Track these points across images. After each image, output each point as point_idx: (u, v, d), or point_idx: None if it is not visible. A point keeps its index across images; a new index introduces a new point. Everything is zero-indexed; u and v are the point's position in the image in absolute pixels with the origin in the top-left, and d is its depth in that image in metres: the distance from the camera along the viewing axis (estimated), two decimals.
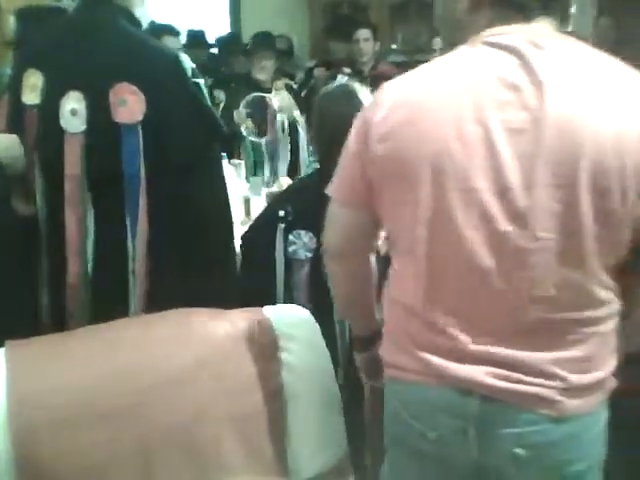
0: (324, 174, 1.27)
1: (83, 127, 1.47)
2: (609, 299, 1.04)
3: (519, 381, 1.02)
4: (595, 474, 1.10)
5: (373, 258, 1.26)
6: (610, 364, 1.07)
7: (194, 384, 1.29)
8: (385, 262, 1.22)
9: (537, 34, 1.03)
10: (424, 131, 1.01)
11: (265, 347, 1.39)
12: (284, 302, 1.76)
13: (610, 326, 1.06)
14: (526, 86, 0.99)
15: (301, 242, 1.73)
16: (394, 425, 1.17)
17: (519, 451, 1.03)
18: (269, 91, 3.43)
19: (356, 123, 1.13)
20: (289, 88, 3.65)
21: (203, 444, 1.27)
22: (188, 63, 1.53)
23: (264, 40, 3.72)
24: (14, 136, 1.60)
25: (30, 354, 1.26)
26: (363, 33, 4.01)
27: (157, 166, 1.47)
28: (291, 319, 1.46)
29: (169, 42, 3.38)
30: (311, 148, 3.24)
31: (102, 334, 1.33)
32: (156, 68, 1.50)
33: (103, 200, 1.51)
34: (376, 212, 1.13)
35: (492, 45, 1.03)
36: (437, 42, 4.33)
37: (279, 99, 3.22)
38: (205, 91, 1.59)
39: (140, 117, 1.45)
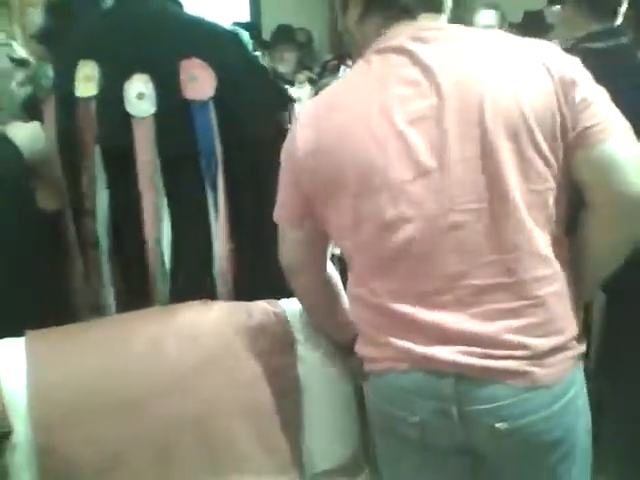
0: None
1: (153, 109, 1.41)
2: (556, 254, 1.08)
3: (488, 356, 1.05)
4: (575, 442, 1.12)
5: (331, 267, 1.32)
6: (572, 328, 1.10)
7: (211, 376, 1.30)
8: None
9: (420, 29, 1.12)
10: (341, 141, 1.10)
11: (281, 340, 1.40)
12: None
13: (562, 284, 1.09)
14: (421, 79, 1.07)
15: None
16: (377, 416, 1.22)
17: (499, 425, 1.06)
18: (291, 84, 3.44)
19: (284, 151, 1.22)
20: (311, 81, 3.65)
21: (219, 436, 1.28)
22: (247, 38, 1.51)
23: (285, 33, 3.72)
24: (35, 125, 1.57)
25: (49, 344, 1.27)
26: None
27: (233, 140, 1.43)
28: None
29: None
30: None
31: (121, 325, 1.35)
32: (220, 43, 1.47)
33: (178, 183, 1.45)
34: (319, 225, 1.20)
35: (382, 51, 1.13)
36: None
37: (301, 92, 3.22)
38: (265, 63, 1.57)
39: (212, 92, 1.41)
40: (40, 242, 1.50)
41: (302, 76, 3.66)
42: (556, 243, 1.09)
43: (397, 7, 1.15)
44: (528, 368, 1.06)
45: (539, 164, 1.05)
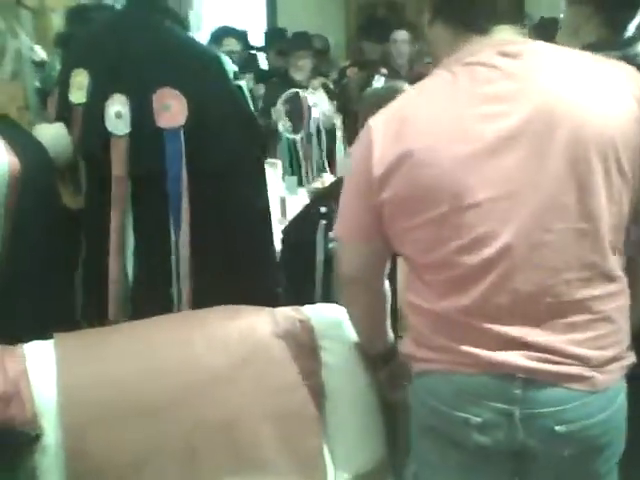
0: None
1: (127, 130, 1.49)
2: (621, 275, 1.13)
3: (553, 362, 1.09)
4: (619, 445, 1.17)
5: (386, 282, 1.32)
6: (627, 339, 1.15)
7: (237, 381, 1.30)
8: None
9: (505, 44, 1.11)
10: (427, 158, 1.09)
11: (305, 346, 1.40)
12: (322, 298, 1.78)
13: (624, 299, 1.14)
14: (511, 96, 1.07)
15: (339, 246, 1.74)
16: (427, 417, 1.20)
17: (559, 428, 1.09)
18: (305, 89, 3.45)
19: (354, 164, 1.20)
20: (326, 87, 3.66)
21: (245, 441, 1.28)
22: (230, 65, 1.54)
23: (301, 40, 3.73)
24: (60, 125, 1.62)
25: (78, 347, 1.29)
26: (400, 35, 4.00)
27: (199, 168, 1.50)
28: (331, 319, 1.46)
29: (231, 44, 3.43)
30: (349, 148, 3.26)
31: (147, 329, 1.36)
32: (199, 72, 1.51)
33: (145, 201, 1.53)
34: (386, 240, 1.20)
35: (469, 64, 1.11)
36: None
37: (315, 98, 3.22)
38: (247, 93, 1.59)
39: (182, 121, 1.48)
40: (66, 240, 1.55)
41: (317, 82, 3.67)
42: (620, 261, 1.13)
43: (467, 17, 1.14)
44: (589, 373, 1.09)
45: (622, 188, 1.08)
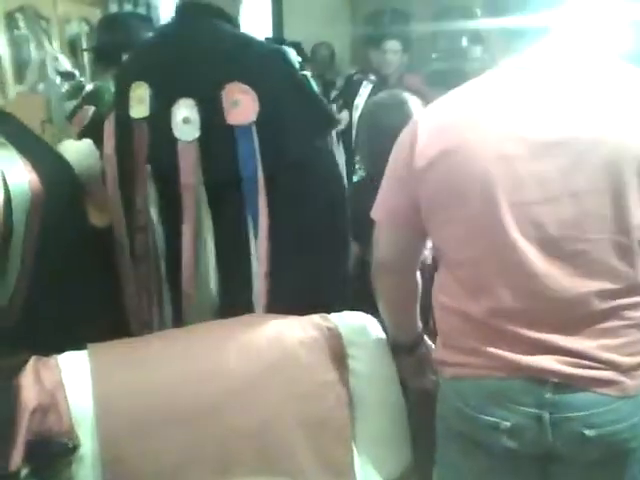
0: (373, 183, 1.31)
1: (197, 134, 1.42)
2: None
3: (584, 366, 1.10)
4: None
5: (418, 272, 1.34)
6: None
7: (267, 389, 1.31)
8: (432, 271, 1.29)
9: (555, 53, 1.13)
10: (468, 155, 1.11)
11: (334, 354, 1.41)
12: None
13: None
14: (557, 102, 1.08)
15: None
16: (455, 422, 1.22)
17: (587, 432, 1.10)
18: None
19: (396, 151, 1.21)
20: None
21: (276, 448, 1.29)
22: (294, 56, 1.50)
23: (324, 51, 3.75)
24: (88, 142, 1.61)
25: (111, 357, 1.29)
26: (391, 44, 4.05)
27: (275, 164, 1.43)
28: (358, 326, 1.47)
29: None
30: (357, 157, 3.27)
31: (179, 338, 1.37)
32: (265, 65, 1.46)
33: (222, 206, 1.47)
34: (423, 230, 1.22)
35: (520, 68, 1.13)
36: (476, 50, 4.36)
37: None
38: (313, 82, 1.53)
39: (254, 117, 1.41)
40: (93, 258, 1.52)
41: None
42: None
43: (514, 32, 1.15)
44: (619, 378, 1.10)
45: None
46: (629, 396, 1.11)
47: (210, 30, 1.49)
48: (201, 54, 1.46)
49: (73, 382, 1.22)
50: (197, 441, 1.23)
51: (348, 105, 3.79)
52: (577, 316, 1.10)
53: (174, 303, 1.53)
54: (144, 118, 1.47)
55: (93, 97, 1.83)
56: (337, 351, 1.42)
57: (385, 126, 1.71)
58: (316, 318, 1.44)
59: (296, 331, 1.39)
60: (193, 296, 1.49)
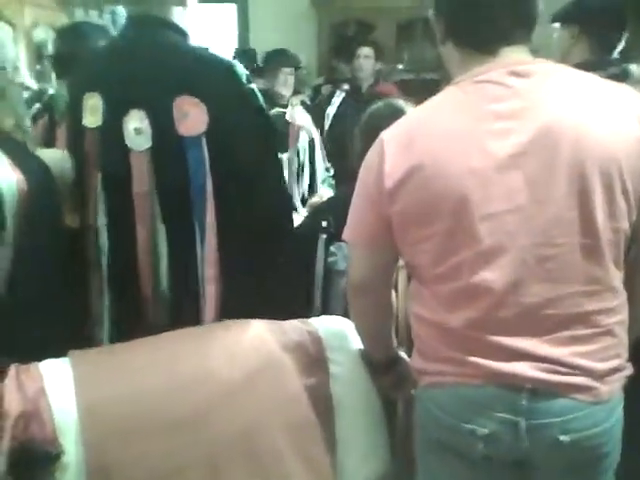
0: None
1: (148, 144, 1.48)
2: (621, 289, 1.17)
3: (559, 372, 1.11)
4: (617, 454, 1.20)
5: (393, 291, 1.36)
6: (626, 351, 1.19)
7: (252, 393, 1.32)
8: None
9: (515, 63, 1.16)
10: (437, 171, 1.12)
11: (315, 358, 1.43)
12: (321, 311, 1.80)
13: (624, 313, 1.18)
14: (520, 114, 1.11)
15: (342, 253, 1.76)
16: (433, 430, 1.23)
17: (563, 438, 1.12)
18: (285, 107, 3.47)
19: (365, 171, 1.23)
20: (304, 104, 3.70)
21: (264, 452, 1.29)
22: (242, 70, 1.55)
23: (285, 56, 3.77)
24: (61, 151, 1.65)
25: (94, 364, 1.29)
26: (365, 51, 4.13)
27: (222, 174, 1.49)
28: (337, 330, 1.49)
29: None
30: (327, 165, 3.30)
31: (162, 344, 1.36)
32: (214, 78, 1.51)
33: (173, 213, 1.52)
34: (396, 248, 1.23)
35: (480, 82, 1.15)
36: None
37: (299, 115, 3.26)
38: (259, 96, 1.59)
39: (203, 128, 1.47)
40: (68, 258, 1.55)
41: (295, 99, 3.71)
42: (620, 276, 1.17)
43: (476, 39, 1.19)
44: (593, 384, 1.13)
45: (623, 206, 1.12)
46: (603, 401, 1.13)
47: (161, 42, 1.54)
48: (152, 66, 1.50)
49: (56, 390, 1.21)
50: (183, 447, 1.23)
51: (319, 115, 3.81)
52: (550, 321, 1.12)
53: (124, 305, 1.56)
54: (96, 128, 1.52)
55: (49, 104, 1.85)
56: (318, 355, 1.43)
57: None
58: (296, 322, 1.46)
59: (278, 335, 1.40)
60: (150, 298, 1.53)
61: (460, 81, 1.19)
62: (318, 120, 3.76)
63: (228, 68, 1.54)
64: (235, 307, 1.49)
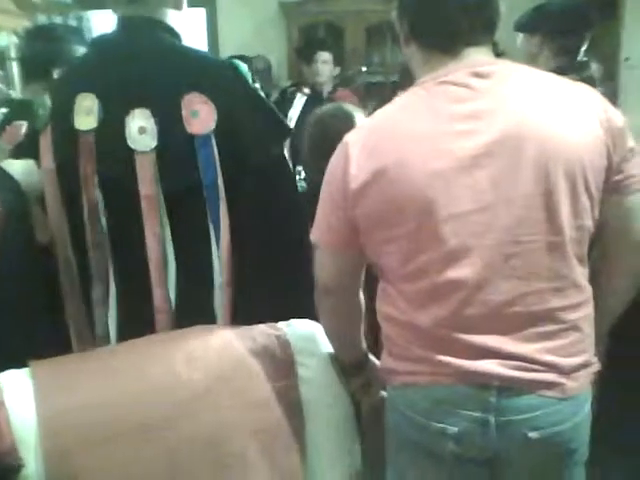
0: (317, 193, 1.33)
1: (154, 144, 1.42)
2: (586, 285, 1.19)
3: (526, 369, 1.13)
4: (586, 449, 1.23)
5: (361, 293, 1.36)
6: (593, 347, 1.22)
7: (217, 398, 1.30)
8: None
9: (476, 64, 1.17)
10: (402, 173, 1.13)
11: (283, 362, 1.41)
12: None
13: (590, 309, 1.20)
14: (483, 114, 1.13)
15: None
16: (404, 430, 1.24)
17: (532, 434, 1.13)
18: None
19: (330, 174, 1.23)
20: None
21: (229, 458, 1.27)
22: (245, 69, 1.52)
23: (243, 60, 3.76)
24: (30, 161, 1.56)
25: (55, 374, 1.25)
26: (322, 55, 4.17)
27: (234, 172, 1.45)
28: (306, 334, 1.48)
29: None
30: (298, 168, 3.29)
31: (125, 352, 1.34)
32: (220, 76, 1.47)
33: (182, 215, 1.47)
34: (363, 250, 1.23)
35: (443, 84, 1.17)
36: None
37: None
38: (263, 94, 1.55)
39: (213, 126, 1.42)
40: (40, 273, 1.49)
41: None
42: (585, 272, 1.19)
43: (439, 40, 1.20)
44: (560, 380, 1.15)
45: (587, 204, 1.15)
46: (570, 397, 1.15)
47: (160, 43, 1.49)
48: (156, 65, 1.46)
49: (15, 401, 1.17)
50: (148, 456, 1.20)
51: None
52: (517, 319, 1.14)
53: (133, 319, 1.49)
54: (91, 130, 1.45)
55: (24, 112, 1.78)
56: (286, 359, 1.41)
57: (330, 137, 1.74)
58: (264, 327, 1.44)
59: (245, 340, 1.38)
60: (166, 309, 1.47)
61: (423, 82, 1.20)
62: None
63: (232, 67, 1.51)
64: (247, 313, 1.46)
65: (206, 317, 1.48)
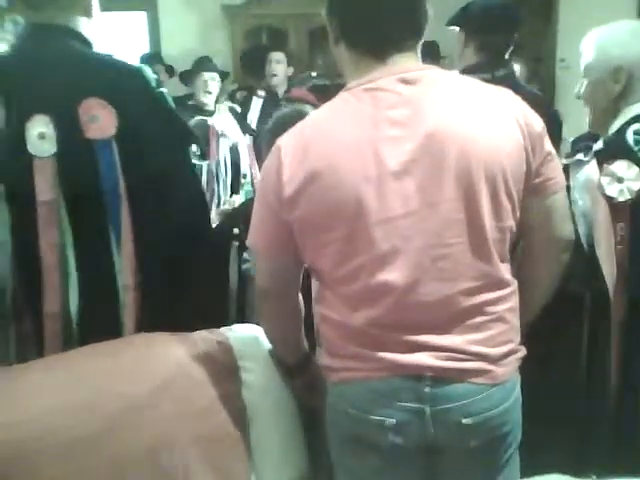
0: None
1: (53, 150, 1.41)
2: (509, 279, 1.24)
3: (457, 359, 1.17)
4: (518, 433, 1.27)
5: (300, 295, 1.37)
6: (519, 335, 1.27)
7: (159, 408, 1.28)
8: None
9: (404, 71, 1.20)
10: (335, 178, 1.15)
11: (225, 367, 1.41)
12: (236, 318, 1.79)
13: (514, 301, 1.25)
14: (410, 121, 1.15)
15: (254, 260, 1.76)
16: (344, 425, 1.26)
17: (465, 421, 1.18)
18: (212, 114, 3.43)
19: (264, 179, 1.25)
20: (232, 111, 3.67)
21: (171, 467, 1.26)
22: (150, 74, 1.52)
23: (208, 63, 3.73)
24: None
25: None
26: (275, 55, 4.19)
27: (135, 179, 1.45)
28: (248, 338, 1.48)
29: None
30: (254, 170, 3.28)
31: (64, 363, 1.31)
32: (122, 81, 1.47)
33: (83, 220, 1.46)
34: (298, 254, 1.25)
35: (371, 90, 1.18)
36: None
37: (222, 122, 3.23)
38: (169, 99, 1.56)
39: (113, 131, 1.42)
40: None
41: (223, 106, 3.68)
42: (508, 268, 1.24)
43: (367, 44, 1.21)
44: (488, 367, 1.19)
45: (507, 206, 1.19)
46: (499, 383, 1.20)
47: (65, 49, 1.49)
48: (56, 71, 1.45)
49: None
50: (88, 466, 1.18)
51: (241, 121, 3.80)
52: (446, 316, 1.18)
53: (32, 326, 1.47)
54: None
55: None
56: (228, 364, 1.41)
57: None
58: (205, 333, 1.44)
59: (185, 347, 1.37)
60: (58, 316, 1.45)
61: (352, 88, 1.21)
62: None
63: (135, 72, 1.51)
64: (154, 317, 1.45)
65: (111, 319, 1.48)
